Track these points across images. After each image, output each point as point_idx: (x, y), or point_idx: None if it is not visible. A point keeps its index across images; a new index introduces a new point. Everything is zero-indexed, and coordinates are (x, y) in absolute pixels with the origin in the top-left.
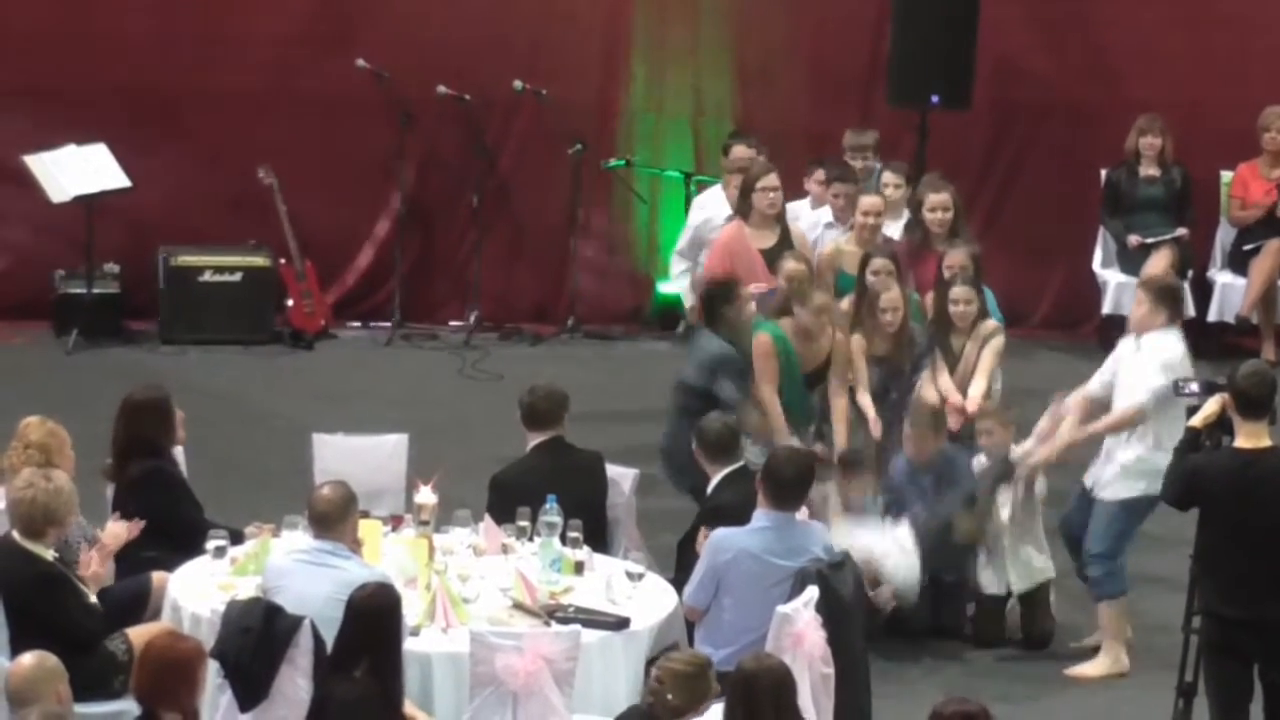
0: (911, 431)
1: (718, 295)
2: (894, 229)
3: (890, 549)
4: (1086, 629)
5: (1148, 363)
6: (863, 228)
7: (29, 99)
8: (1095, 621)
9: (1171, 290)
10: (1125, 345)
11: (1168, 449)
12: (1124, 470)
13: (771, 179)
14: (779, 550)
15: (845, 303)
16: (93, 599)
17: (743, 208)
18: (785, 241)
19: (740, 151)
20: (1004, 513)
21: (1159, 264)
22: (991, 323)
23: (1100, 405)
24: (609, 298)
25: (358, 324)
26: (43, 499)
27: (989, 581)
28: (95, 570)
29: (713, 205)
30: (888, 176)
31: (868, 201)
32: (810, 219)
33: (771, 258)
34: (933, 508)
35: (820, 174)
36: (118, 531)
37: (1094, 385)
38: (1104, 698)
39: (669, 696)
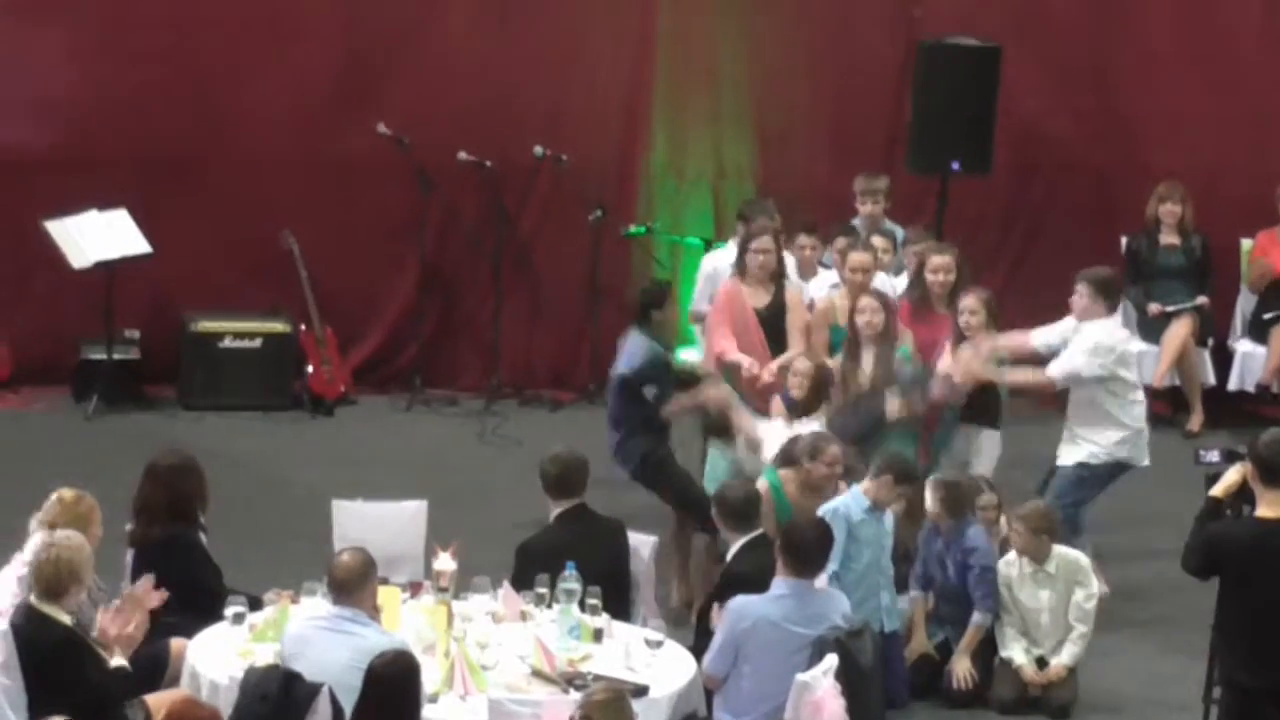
0: (931, 510)
1: (650, 299)
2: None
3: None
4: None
5: (1078, 345)
6: (851, 284)
7: (51, 163)
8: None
9: (1108, 282)
10: (1068, 323)
11: (1099, 426)
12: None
13: (765, 241)
14: (798, 618)
15: (835, 362)
16: (121, 661)
17: (739, 265)
18: (779, 300)
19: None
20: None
21: (1179, 333)
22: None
23: (1034, 360)
24: None
25: (377, 390)
26: (67, 555)
27: (1014, 653)
28: (130, 633)
29: (722, 263)
30: (877, 240)
31: (856, 259)
32: (817, 283)
33: (765, 317)
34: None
35: (802, 239)
36: (140, 596)
37: (1038, 340)
38: None
39: None
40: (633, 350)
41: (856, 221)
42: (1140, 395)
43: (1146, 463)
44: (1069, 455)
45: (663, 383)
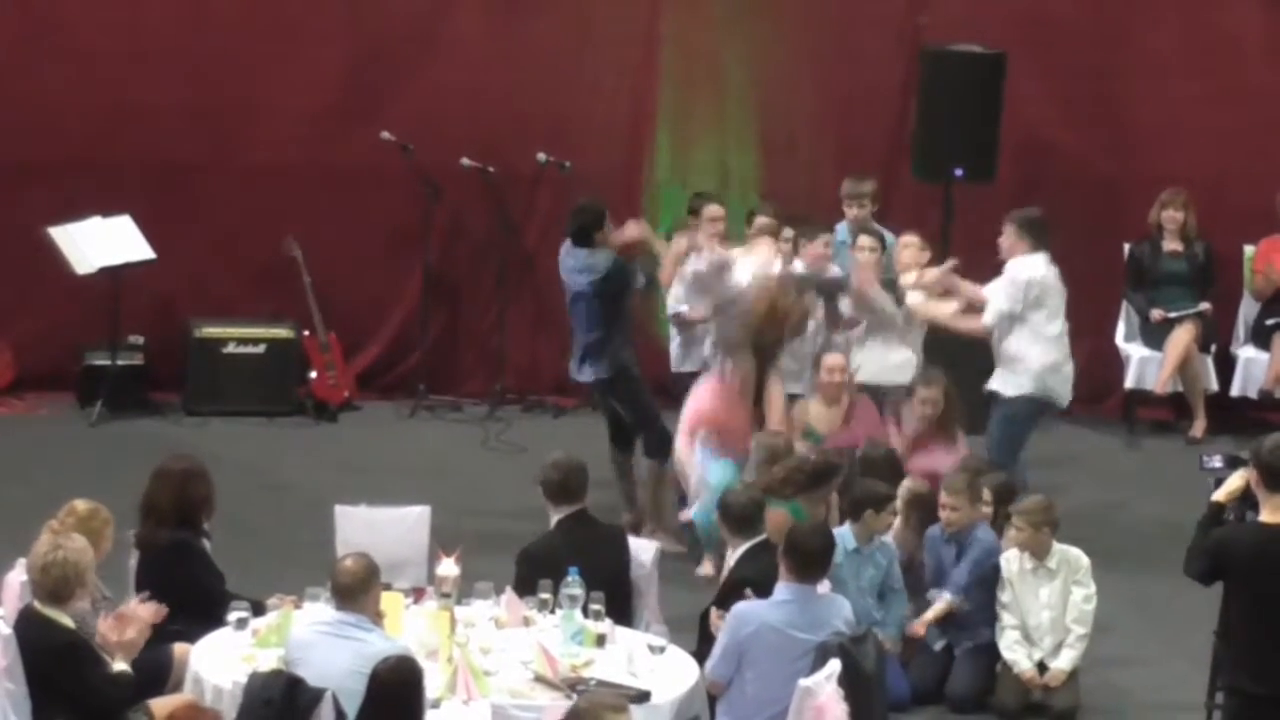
0: (947, 498)
1: (589, 221)
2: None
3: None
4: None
5: (1000, 285)
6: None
7: (54, 170)
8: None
9: (1032, 222)
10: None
11: (1011, 361)
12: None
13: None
14: (801, 623)
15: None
16: (123, 666)
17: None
18: None
19: (714, 211)
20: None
21: (1182, 339)
22: None
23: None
24: None
25: (381, 396)
26: (73, 558)
27: (1015, 655)
28: (131, 638)
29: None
30: (864, 239)
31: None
32: None
33: None
34: (951, 579)
35: (787, 233)
36: (143, 614)
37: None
38: None
39: None
40: (592, 262)
41: (842, 225)
42: (1053, 332)
43: (1064, 404)
44: (991, 382)
45: (631, 281)
